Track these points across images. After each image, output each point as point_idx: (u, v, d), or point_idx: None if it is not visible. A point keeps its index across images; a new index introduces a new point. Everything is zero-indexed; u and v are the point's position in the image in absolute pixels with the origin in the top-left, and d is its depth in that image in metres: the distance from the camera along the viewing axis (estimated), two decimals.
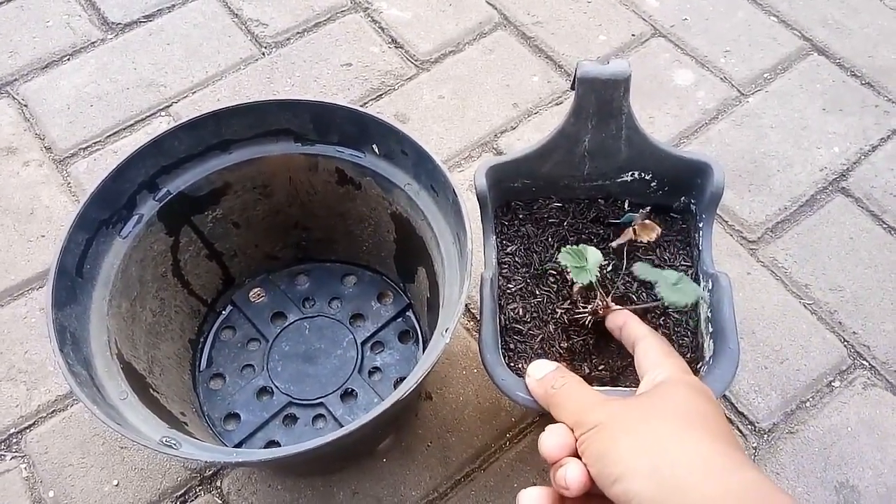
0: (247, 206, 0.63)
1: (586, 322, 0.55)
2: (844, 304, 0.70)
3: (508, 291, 0.58)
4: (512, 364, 0.54)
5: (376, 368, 0.66)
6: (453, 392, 0.66)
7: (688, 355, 0.55)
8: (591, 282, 0.51)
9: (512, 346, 0.55)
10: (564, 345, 0.55)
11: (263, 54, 0.88)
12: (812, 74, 0.86)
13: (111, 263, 0.55)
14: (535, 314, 0.57)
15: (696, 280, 0.57)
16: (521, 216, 0.61)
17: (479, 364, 0.67)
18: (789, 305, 0.70)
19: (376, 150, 0.59)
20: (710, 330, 0.53)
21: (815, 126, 0.82)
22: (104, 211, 0.54)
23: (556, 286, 0.58)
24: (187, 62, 0.87)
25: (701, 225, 0.58)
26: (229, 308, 0.69)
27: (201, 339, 0.67)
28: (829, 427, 0.64)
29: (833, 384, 0.66)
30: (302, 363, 0.66)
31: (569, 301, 0.57)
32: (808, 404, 0.65)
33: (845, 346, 0.68)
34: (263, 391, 0.65)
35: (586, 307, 0.55)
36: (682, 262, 0.59)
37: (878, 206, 0.76)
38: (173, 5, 0.92)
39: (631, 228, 0.59)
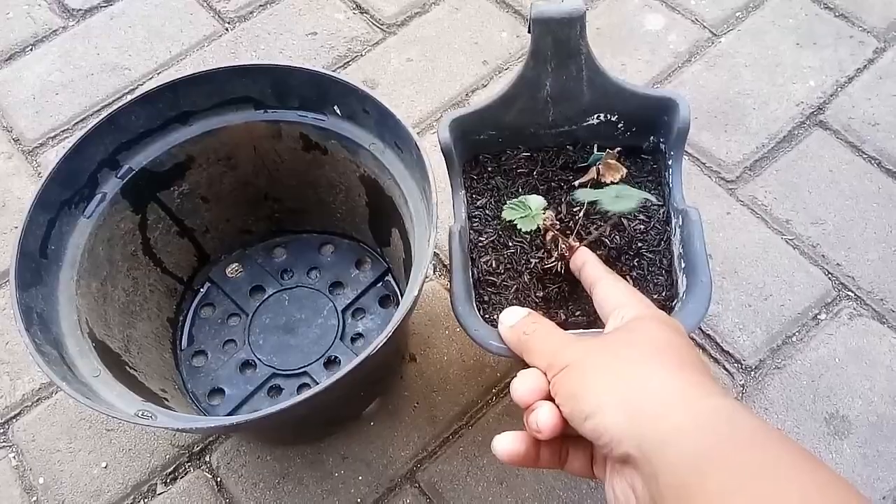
0: (213, 179, 0.63)
1: (558, 269, 0.54)
2: (827, 236, 0.69)
3: (480, 244, 0.57)
4: (487, 316, 0.54)
5: (358, 335, 0.66)
6: (437, 353, 0.66)
7: (663, 293, 0.54)
8: (538, 227, 0.51)
9: (486, 298, 0.55)
10: (540, 294, 0.55)
11: (227, 30, 0.87)
12: (784, 10, 0.84)
13: (76, 244, 0.54)
14: (508, 265, 0.56)
15: (668, 217, 0.56)
16: (489, 169, 0.60)
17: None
18: (771, 242, 0.69)
19: (338, 112, 0.58)
20: (683, 266, 0.52)
21: (790, 62, 0.80)
22: (65, 191, 0.54)
23: (528, 236, 0.57)
24: (150, 43, 0.86)
25: (670, 162, 0.57)
26: (207, 285, 0.69)
27: (180, 318, 0.67)
28: (817, 359, 0.63)
29: (819, 317, 0.66)
30: (283, 334, 0.66)
31: (542, 250, 0.56)
32: (794, 338, 0.65)
33: (829, 278, 0.67)
34: (246, 364, 0.65)
35: (555, 254, 0.55)
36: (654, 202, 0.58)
37: (857, 137, 0.75)
38: None
39: (594, 168, 0.57)
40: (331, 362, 0.64)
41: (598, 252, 0.55)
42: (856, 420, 0.61)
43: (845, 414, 0.61)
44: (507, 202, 0.51)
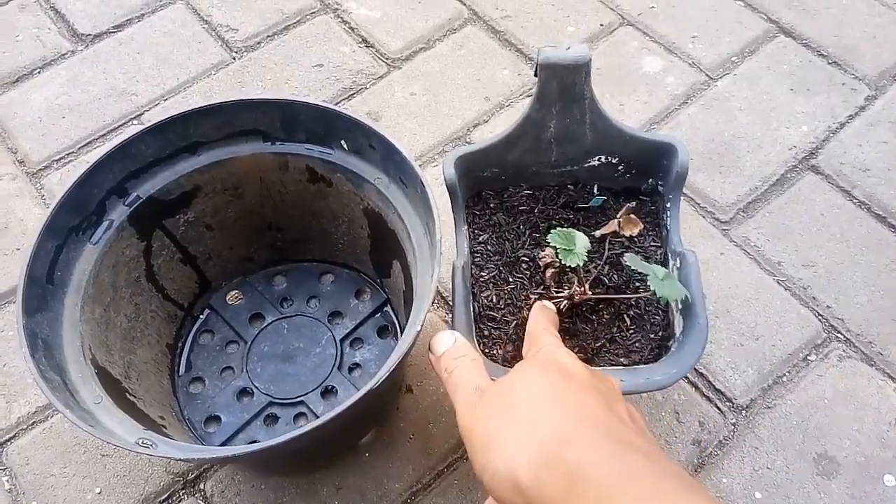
0: (219, 208, 0.64)
1: (561, 307, 0.55)
2: (817, 279, 0.71)
3: (482, 279, 0.58)
4: (487, 350, 0.55)
5: (356, 364, 0.66)
6: (433, 384, 0.66)
7: (659, 332, 0.55)
8: (577, 265, 0.51)
9: (486, 332, 0.56)
10: None
11: (234, 59, 0.88)
12: (779, 56, 0.87)
13: (83, 270, 0.55)
14: (508, 301, 0.57)
15: (665, 259, 0.58)
16: (492, 205, 0.62)
17: None
18: (763, 283, 0.71)
19: (345, 146, 0.59)
20: (680, 307, 0.54)
21: (784, 106, 0.83)
22: (73, 218, 0.55)
23: (528, 273, 0.58)
24: (158, 70, 0.87)
25: (668, 205, 0.59)
26: (207, 312, 0.69)
27: (179, 344, 0.67)
28: (806, 400, 0.65)
29: (809, 358, 0.67)
30: (281, 363, 0.66)
31: (542, 287, 0.58)
32: (784, 379, 0.66)
33: (820, 320, 0.69)
34: (243, 392, 0.65)
35: (560, 292, 0.56)
36: (652, 243, 0.59)
37: (848, 182, 0.77)
38: (143, 14, 0.92)
39: (616, 221, 0.60)
40: (328, 392, 0.65)
41: (596, 290, 0.56)
42: (844, 461, 0.62)
43: (833, 455, 0.62)
44: (553, 230, 0.52)
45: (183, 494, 0.62)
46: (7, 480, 0.63)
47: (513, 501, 0.35)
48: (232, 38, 0.90)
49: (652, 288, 0.50)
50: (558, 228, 0.53)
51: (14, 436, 0.65)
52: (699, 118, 0.82)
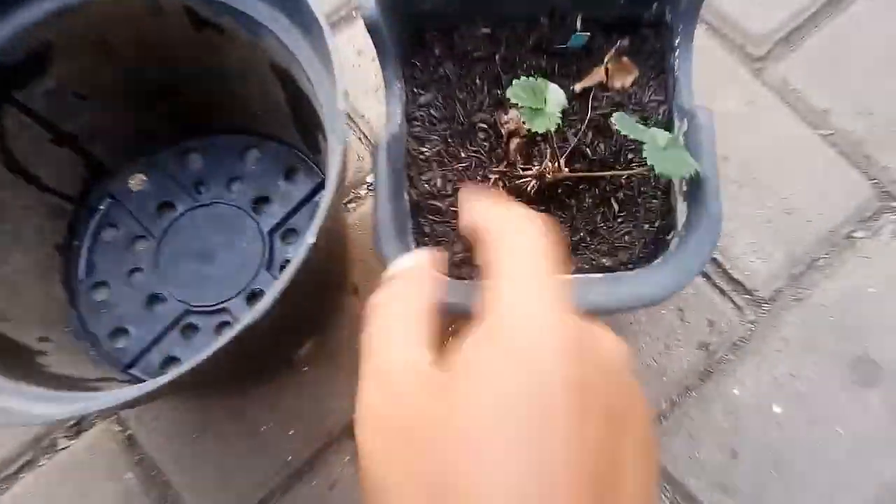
0: (87, 71, 0.49)
1: (528, 188, 0.42)
2: (874, 131, 0.55)
3: (422, 157, 0.44)
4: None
5: (289, 262, 0.54)
6: None
7: (656, 222, 0.42)
8: (548, 130, 0.38)
9: (428, 229, 0.43)
10: None
11: None
12: None
13: None
14: (460, 184, 0.43)
15: (670, 119, 0.43)
16: (437, 52, 0.46)
17: None
18: (803, 138, 0.55)
19: None
20: (685, 188, 0.39)
21: None
22: None
23: (487, 144, 0.44)
24: None
25: (678, 41, 0.42)
26: (108, 202, 0.57)
27: (76, 243, 0.56)
28: (848, 290, 0.52)
29: (854, 235, 0.53)
30: (198, 262, 0.54)
31: (505, 163, 0.43)
32: (820, 263, 0.52)
33: (873, 184, 0.54)
34: (155, 299, 0.54)
35: (529, 169, 0.42)
36: (653, 97, 0.44)
37: None
38: None
39: (603, 67, 0.44)
40: (255, 296, 0.53)
41: (576, 165, 0.42)
42: (888, 366, 0.50)
43: (876, 358, 0.50)
44: (514, 82, 0.37)
45: (94, 418, 0.53)
46: None
47: None
48: None
49: (649, 161, 0.36)
50: (522, 79, 0.38)
51: None
52: None
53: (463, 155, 0.44)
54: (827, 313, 0.51)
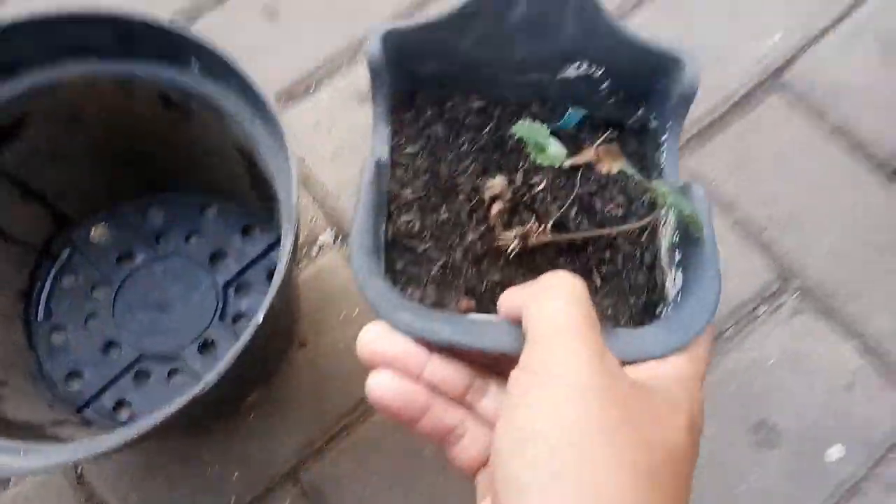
0: (57, 138, 0.52)
1: (508, 250, 0.41)
2: (777, 218, 0.62)
3: (403, 199, 0.43)
4: (400, 289, 0.40)
5: (241, 314, 0.58)
6: (331, 338, 0.58)
7: (643, 297, 0.43)
8: (533, 200, 0.40)
9: (400, 266, 0.40)
10: (474, 281, 0.42)
11: None
12: None
13: None
14: (436, 234, 0.42)
15: (654, 201, 0.44)
16: (428, 114, 0.47)
17: (359, 306, 0.59)
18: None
19: (197, 70, 0.47)
20: (678, 258, 0.41)
21: (752, 11, 0.71)
22: None
23: (468, 206, 0.43)
24: None
25: (664, 138, 0.44)
26: (68, 250, 0.60)
27: (36, 288, 0.58)
28: (751, 361, 0.57)
29: (757, 311, 0.59)
30: (154, 311, 0.57)
31: (484, 226, 0.42)
32: (726, 335, 0.58)
33: (774, 266, 0.60)
34: (111, 344, 0.57)
35: (507, 233, 0.42)
36: (636, 185, 0.45)
37: (820, 104, 0.66)
38: None
39: (594, 149, 0.43)
40: (207, 346, 0.56)
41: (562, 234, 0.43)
42: (785, 430, 0.55)
43: (775, 423, 0.55)
44: (520, 122, 0.39)
45: None
46: None
47: None
48: None
49: (666, 199, 0.37)
50: (525, 121, 0.39)
51: None
52: (652, 22, 0.70)
53: (443, 210, 0.43)
54: (731, 382, 0.57)
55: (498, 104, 0.48)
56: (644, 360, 0.34)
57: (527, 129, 0.39)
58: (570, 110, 0.46)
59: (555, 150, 0.39)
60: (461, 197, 0.44)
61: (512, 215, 0.43)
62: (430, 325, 0.34)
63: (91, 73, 0.48)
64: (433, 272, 0.41)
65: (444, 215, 0.43)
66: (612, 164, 0.43)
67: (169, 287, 0.58)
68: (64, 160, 0.54)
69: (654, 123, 0.46)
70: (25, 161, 0.52)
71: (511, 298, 0.33)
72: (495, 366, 0.34)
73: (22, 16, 0.45)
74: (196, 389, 0.37)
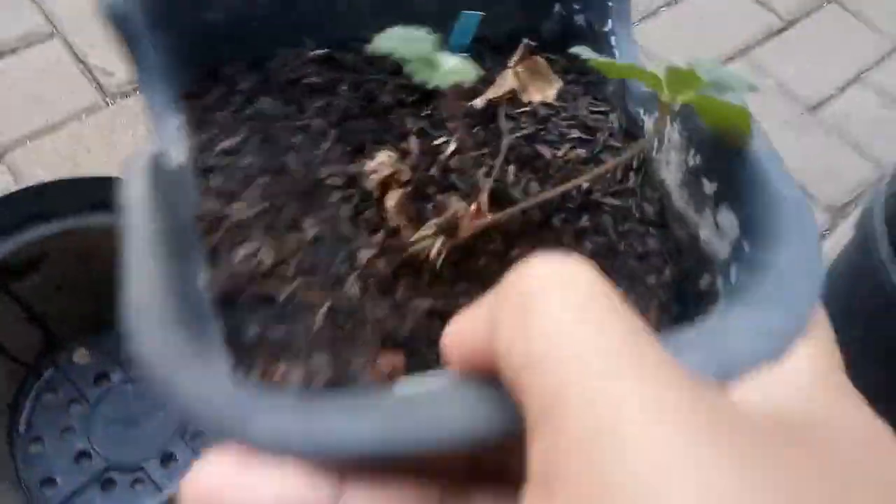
0: (69, 272, 0.64)
1: (431, 257, 0.26)
2: None
3: (234, 220, 0.26)
4: (252, 374, 0.23)
5: (200, 432, 0.69)
6: None
7: (665, 271, 0.28)
8: (448, 168, 0.29)
9: (252, 333, 0.24)
10: (390, 319, 0.25)
11: (107, 104, 0.88)
12: None
13: None
14: (306, 265, 0.26)
15: (625, 127, 0.32)
16: (244, 84, 0.31)
17: None
18: None
19: None
20: (713, 189, 0.26)
21: None
22: None
23: (349, 206, 0.28)
24: (26, 108, 0.86)
25: (610, 26, 0.32)
26: (51, 370, 0.70)
27: (21, 402, 0.67)
28: None
29: None
30: (123, 426, 0.67)
31: (381, 229, 0.27)
32: None
33: None
34: (83, 455, 0.66)
35: (421, 229, 0.27)
36: (594, 108, 0.33)
37: None
38: (15, 48, 0.91)
39: (510, 71, 0.31)
40: (168, 458, 0.67)
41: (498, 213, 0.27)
42: None
43: None
44: (387, 31, 0.26)
45: None
46: None
47: None
48: (107, 83, 0.90)
49: (671, 96, 0.24)
50: (398, 27, 0.27)
51: None
52: None
53: (307, 222, 0.27)
54: None
55: (346, 46, 0.33)
56: (746, 371, 0.18)
57: (397, 37, 0.26)
58: (460, 16, 0.31)
59: (455, 64, 0.26)
60: (333, 196, 0.28)
61: (421, 202, 0.29)
62: (327, 427, 0.17)
63: (108, 223, 0.61)
64: (315, 326, 0.25)
65: (311, 231, 0.27)
66: (546, 89, 0.31)
67: (138, 405, 0.69)
68: (70, 290, 0.65)
69: (581, 21, 0.33)
70: (37, 289, 0.63)
71: (463, 332, 0.18)
72: (473, 469, 0.19)
73: (60, 178, 0.59)
74: None
